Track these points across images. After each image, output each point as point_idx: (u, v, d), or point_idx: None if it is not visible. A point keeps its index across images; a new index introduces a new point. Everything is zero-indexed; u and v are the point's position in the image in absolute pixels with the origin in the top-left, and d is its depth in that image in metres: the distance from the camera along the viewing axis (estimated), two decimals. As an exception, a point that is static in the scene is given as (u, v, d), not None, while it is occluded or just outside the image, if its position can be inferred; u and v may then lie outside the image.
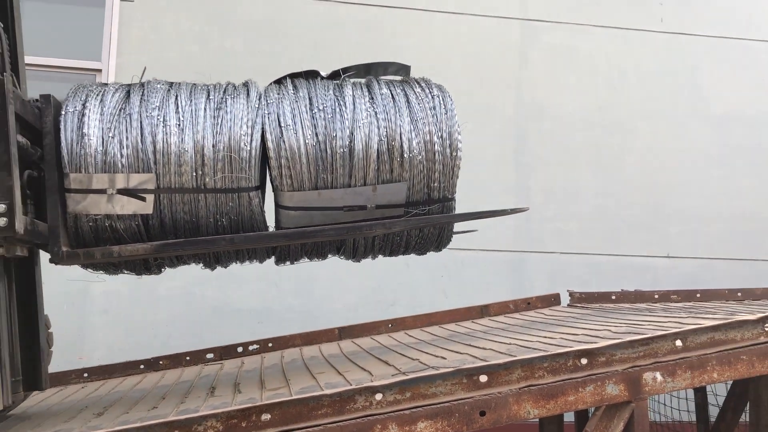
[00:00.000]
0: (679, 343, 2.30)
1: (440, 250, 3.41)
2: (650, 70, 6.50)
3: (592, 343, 2.35)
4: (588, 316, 3.84)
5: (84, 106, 2.86)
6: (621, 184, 6.36)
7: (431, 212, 3.11)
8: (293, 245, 3.17)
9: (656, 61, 6.52)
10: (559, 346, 2.54)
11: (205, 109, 2.93)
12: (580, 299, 4.82)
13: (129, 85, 3.02)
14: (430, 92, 3.12)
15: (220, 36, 5.89)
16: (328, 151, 2.95)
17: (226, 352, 4.25)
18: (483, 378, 2.14)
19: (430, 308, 4.76)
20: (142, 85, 3.02)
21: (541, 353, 2.24)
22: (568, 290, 4.83)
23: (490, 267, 6.10)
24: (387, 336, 4.28)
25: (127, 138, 2.83)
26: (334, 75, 3.21)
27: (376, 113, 3.02)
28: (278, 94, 3.05)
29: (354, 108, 3.02)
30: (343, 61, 3.33)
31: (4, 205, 2.44)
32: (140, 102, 2.91)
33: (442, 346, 3.32)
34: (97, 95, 2.92)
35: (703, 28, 6.59)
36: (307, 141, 2.93)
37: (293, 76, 3.18)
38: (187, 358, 4.20)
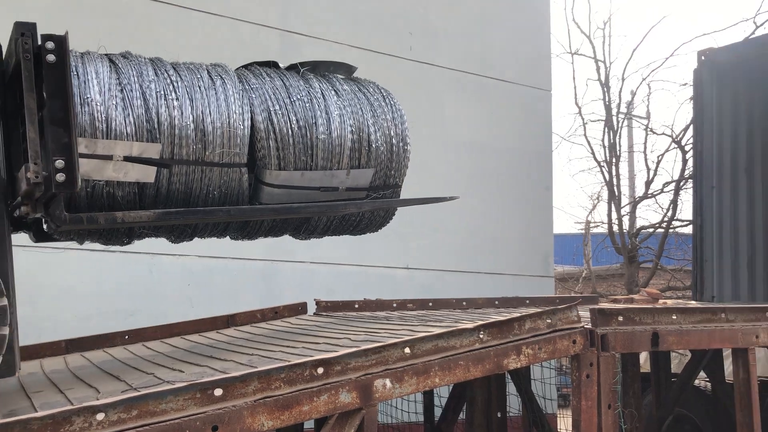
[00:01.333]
0: (407, 350, 2.46)
1: (378, 230, 3.85)
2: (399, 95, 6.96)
3: (331, 352, 2.42)
4: (331, 325, 3.96)
5: (78, 71, 2.80)
6: (369, 198, 6.70)
7: (385, 196, 3.56)
8: (265, 222, 3.44)
9: (404, 87, 7.00)
10: (300, 356, 2.57)
11: (199, 87, 3.07)
12: (326, 308, 4.95)
13: (108, 55, 2.97)
14: (381, 92, 3.56)
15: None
16: (308, 136, 3.24)
17: None
18: (218, 391, 2.08)
19: (174, 318, 4.55)
20: (124, 56, 3.02)
21: (280, 364, 2.24)
22: (315, 299, 4.94)
23: (240, 276, 6.02)
24: (122, 349, 3.99)
25: (131, 107, 2.86)
26: (291, 68, 3.47)
27: (345, 106, 3.38)
28: (257, 80, 3.29)
29: (325, 100, 3.35)
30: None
31: (62, 161, 2.45)
32: (136, 74, 2.95)
33: (182, 358, 3.18)
34: (89, 62, 2.88)
35: (447, 61, 7.25)
36: (292, 125, 3.21)
37: (260, 65, 3.44)
38: None
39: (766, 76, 7.17)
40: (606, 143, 14.06)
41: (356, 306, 4.96)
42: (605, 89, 13.50)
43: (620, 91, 14.37)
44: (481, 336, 2.62)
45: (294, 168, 3.24)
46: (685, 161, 12.62)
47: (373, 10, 6.90)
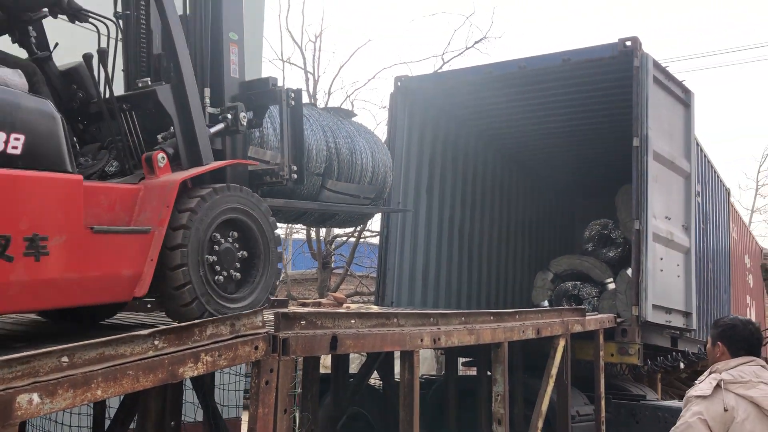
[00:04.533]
0: (65, 359, 2.16)
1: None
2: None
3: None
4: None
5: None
6: None
7: (380, 205, 5.57)
8: (316, 214, 5.15)
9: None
10: None
11: (321, 125, 4.91)
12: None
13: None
14: (367, 129, 5.45)
15: None
16: (352, 159, 4.97)
17: None
18: None
19: None
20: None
21: None
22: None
23: None
24: None
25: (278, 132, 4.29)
26: (331, 110, 5.49)
27: (366, 141, 5.18)
28: (327, 118, 5.07)
29: (357, 136, 5.14)
30: None
31: (296, 166, 3.90)
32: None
33: None
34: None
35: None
36: (345, 152, 4.94)
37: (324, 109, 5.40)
38: None
39: (449, 106, 8.09)
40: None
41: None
42: (313, 101, 14.02)
43: (326, 105, 15.05)
44: (156, 343, 2.42)
45: (343, 180, 4.89)
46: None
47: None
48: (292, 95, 3.87)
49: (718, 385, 2.86)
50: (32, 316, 3.77)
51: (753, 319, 12.44)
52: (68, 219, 2.67)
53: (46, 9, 3.23)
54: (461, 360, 7.83)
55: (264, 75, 8.39)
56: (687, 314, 6.96)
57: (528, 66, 7.05)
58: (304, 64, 13.87)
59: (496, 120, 8.54)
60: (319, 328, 3.05)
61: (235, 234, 3.29)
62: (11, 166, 2.52)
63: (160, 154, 3.15)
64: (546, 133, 8.83)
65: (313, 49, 14.05)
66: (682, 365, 7.87)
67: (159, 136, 3.30)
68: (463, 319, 3.96)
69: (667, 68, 6.78)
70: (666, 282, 6.54)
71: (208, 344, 2.58)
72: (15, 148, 2.55)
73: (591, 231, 9.68)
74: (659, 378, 8.88)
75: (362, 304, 7.03)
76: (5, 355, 2.03)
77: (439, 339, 3.67)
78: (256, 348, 2.75)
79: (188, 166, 3.25)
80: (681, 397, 9.65)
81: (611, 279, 8.97)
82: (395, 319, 3.50)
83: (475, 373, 7.80)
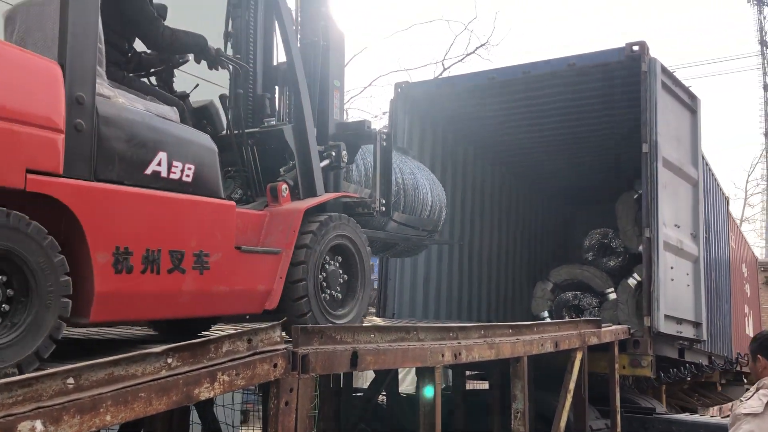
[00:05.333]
0: (71, 381, 1.93)
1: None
2: None
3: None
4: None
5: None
6: None
7: (433, 237, 6.01)
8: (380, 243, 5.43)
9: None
10: None
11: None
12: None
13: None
14: (423, 167, 6.05)
15: None
16: (414, 194, 5.44)
17: None
18: None
19: None
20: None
21: None
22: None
23: None
24: None
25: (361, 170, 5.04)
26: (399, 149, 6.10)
27: (425, 178, 5.72)
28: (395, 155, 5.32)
29: (419, 172, 5.72)
30: None
31: (384, 200, 4.25)
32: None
33: None
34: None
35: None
36: (410, 186, 5.45)
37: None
38: None
39: (450, 113, 7.92)
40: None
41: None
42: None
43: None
44: (169, 361, 2.20)
45: (407, 213, 5.27)
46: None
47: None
48: (384, 137, 4.30)
49: None
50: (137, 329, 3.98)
51: (751, 329, 12.36)
52: (224, 239, 3.10)
53: (191, 54, 3.57)
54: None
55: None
56: (697, 324, 6.80)
57: (532, 71, 6.90)
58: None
59: (497, 127, 8.38)
60: (338, 343, 2.84)
61: (340, 258, 3.67)
62: (184, 191, 2.95)
63: (284, 185, 3.58)
64: (546, 140, 8.68)
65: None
66: (688, 377, 7.71)
67: (281, 169, 3.72)
68: (482, 332, 3.75)
69: (674, 73, 6.67)
70: (676, 291, 6.39)
71: (224, 362, 2.36)
72: (188, 176, 2.98)
73: (591, 240, 9.54)
74: (664, 390, 8.71)
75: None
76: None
77: (459, 354, 3.47)
78: (275, 366, 2.53)
79: (304, 196, 3.65)
80: (684, 410, 9.49)
81: (612, 289, 8.82)
82: (415, 333, 3.29)
83: (474, 386, 7.62)
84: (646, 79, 6.20)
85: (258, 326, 2.55)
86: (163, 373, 2.18)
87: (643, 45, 6.27)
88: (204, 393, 2.27)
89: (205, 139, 3.16)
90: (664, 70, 6.37)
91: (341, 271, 3.66)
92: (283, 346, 2.60)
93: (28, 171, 2.37)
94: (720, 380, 11.03)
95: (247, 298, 3.21)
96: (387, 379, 4.87)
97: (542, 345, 4.21)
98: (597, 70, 6.71)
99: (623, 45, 6.39)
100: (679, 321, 6.43)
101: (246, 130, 3.69)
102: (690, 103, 6.93)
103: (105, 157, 2.65)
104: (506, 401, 4.44)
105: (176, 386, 2.17)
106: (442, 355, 3.36)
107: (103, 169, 2.64)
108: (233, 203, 3.22)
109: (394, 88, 7.58)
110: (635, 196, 8.52)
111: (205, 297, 2.99)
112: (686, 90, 6.90)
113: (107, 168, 2.66)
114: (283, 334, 2.68)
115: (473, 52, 14.05)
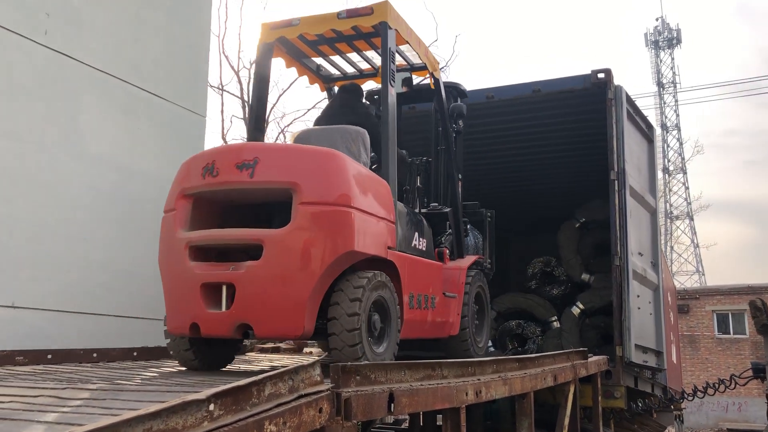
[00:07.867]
0: (107, 442, 1.50)
1: None
2: (23, 84, 5.46)
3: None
4: None
5: None
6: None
7: None
8: None
9: (33, 76, 5.52)
10: None
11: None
12: None
13: None
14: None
15: None
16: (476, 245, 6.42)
17: None
18: None
19: None
20: None
21: None
22: None
23: None
24: None
25: None
26: None
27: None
28: None
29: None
30: None
31: (490, 260, 5.89)
32: None
33: None
34: None
35: (90, 58, 5.96)
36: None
37: None
38: None
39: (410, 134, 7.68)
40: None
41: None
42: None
43: (264, 136, 14.24)
44: (211, 409, 1.79)
45: None
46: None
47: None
48: (489, 214, 5.91)
49: None
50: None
51: (674, 358, 12.70)
52: (438, 287, 4.47)
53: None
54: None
55: (208, 101, 7.73)
56: (659, 353, 6.81)
57: (496, 96, 6.81)
58: (241, 92, 13.07)
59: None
60: (375, 383, 2.48)
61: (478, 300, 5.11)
62: (425, 257, 4.45)
63: (447, 250, 4.77)
64: (501, 166, 8.61)
65: (248, 76, 13.30)
66: (655, 407, 7.68)
67: (441, 238, 4.86)
68: (495, 366, 3.48)
69: (635, 101, 6.74)
70: (642, 320, 6.36)
71: (269, 408, 1.96)
72: (423, 246, 4.47)
73: (534, 268, 9.50)
74: (612, 419, 8.71)
75: (318, 348, 6.37)
76: None
77: (480, 392, 3.17)
78: (320, 410, 2.14)
79: (456, 258, 4.92)
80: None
81: (555, 317, 8.77)
82: (439, 370, 2.97)
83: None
84: (612, 106, 6.22)
85: (298, 365, 2.16)
86: (206, 424, 1.76)
87: (608, 72, 6.29)
88: (253, 449, 1.86)
89: (425, 221, 4.60)
90: (628, 98, 6.42)
91: (477, 307, 5.00)
92: (325, 387, 2.22)
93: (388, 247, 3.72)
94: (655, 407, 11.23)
95: (443, 327, 4.51)
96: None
97: (545, 379, 3.98)
98: (562, 96, 6.69)
99: (589, 72, 6.41)
100: (645, 350, 6.40)
101: (421, 210, 4.85)
102: (648, 132, 7.03)
103: (403, 238, 4.06)
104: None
105: (223, 442, 1.76)
106: (466, 394, 3.06)
107: (404, 245, 4.05)
108: (441, 264, 4.59)
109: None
110: (576, 225, 8.56)
111: (430, 325, 4.32)
112: (645, 119, 6.99)
113: (406, 245, 4.12)
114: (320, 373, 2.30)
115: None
